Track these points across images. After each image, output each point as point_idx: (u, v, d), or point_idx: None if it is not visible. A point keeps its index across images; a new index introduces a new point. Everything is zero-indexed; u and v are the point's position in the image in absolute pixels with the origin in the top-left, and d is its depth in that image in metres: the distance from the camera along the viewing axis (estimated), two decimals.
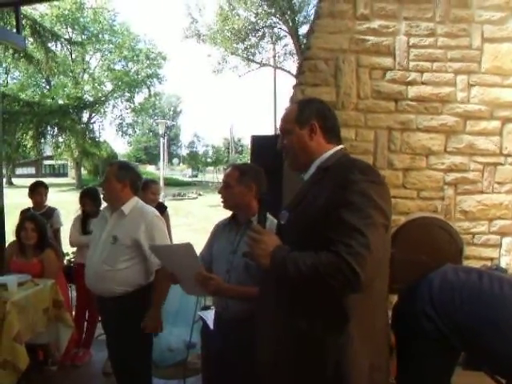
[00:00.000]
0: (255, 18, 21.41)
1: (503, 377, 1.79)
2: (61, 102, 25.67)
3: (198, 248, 2.11)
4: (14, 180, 31.84)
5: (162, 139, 23.38)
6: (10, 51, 12.31)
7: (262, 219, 1.51)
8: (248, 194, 2.05)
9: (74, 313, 3.80)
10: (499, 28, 3.45)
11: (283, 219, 1.53)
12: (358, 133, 3.48)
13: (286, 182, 3.04)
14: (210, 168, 42.92)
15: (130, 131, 36.13)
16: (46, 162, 44.33)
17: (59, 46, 16.48)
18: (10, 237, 3.87)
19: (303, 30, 20.51)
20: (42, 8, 24.62)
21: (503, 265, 3.37)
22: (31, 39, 12.51)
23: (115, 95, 31.77)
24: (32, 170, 42.68)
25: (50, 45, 13.91)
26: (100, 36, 30.72)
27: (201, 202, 22.10)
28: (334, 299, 1.34)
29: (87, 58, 31.24)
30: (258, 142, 3.63)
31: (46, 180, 5.95)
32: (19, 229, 3.39)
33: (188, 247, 1.93)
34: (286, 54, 23.70)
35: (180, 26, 41.26)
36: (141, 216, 2.49)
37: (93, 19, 29.62)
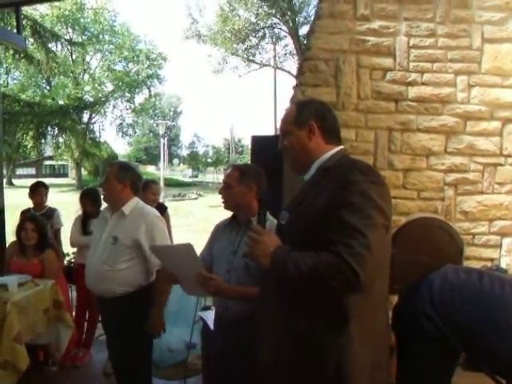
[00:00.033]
0: (255, 18, 21.39)
1: (503, 377, 1.79)
2: (61, 102, 25.71)
3: (199, 248, 2.12)
4: (15, 180, 31.80)
5: (162, 140, 23.46)
6: (11, 51, 12.28)
7: (261, 219, 1.51)
8: (248, 195, 2.06)
9: (74, 313, 3.80)
10: (499, 29, 3.45)
11: (283, 219, 1.53)
12: (359, 133, 3.48)
13: (286, 182, 3.04)
14: (211, 168, 42.83)
15: (130, 132, 36.26)
16: (47, 163, 44.38)
17: (60, 46, 16.53)
18: (10, 237, 3.88)
19: (303, 30, 20.54)
20: (42, 8, 24.74)
21: (503, 265, 3.37)
22: (32, 40, 12.51)
23: (115, 96, 31.85)
24: (32, 171, 42.60)
25: (50, 45, 13.90)
26: (100, 36, 30.78)
27: (201, 203, 22.10)
28: (334, 299, 1.34)
29: (87, 58, 31.33)
30: (259, 142, 3.62)
31: (47, 180, 5.93)
32: (19, 229, 3.39)
33: (188, 247, 1.93)
34: (286, 54, 23.74)
35: (180, 27, 41.26)
36: (141, 216, 2.49)
37: (93, 20, 29.68)
